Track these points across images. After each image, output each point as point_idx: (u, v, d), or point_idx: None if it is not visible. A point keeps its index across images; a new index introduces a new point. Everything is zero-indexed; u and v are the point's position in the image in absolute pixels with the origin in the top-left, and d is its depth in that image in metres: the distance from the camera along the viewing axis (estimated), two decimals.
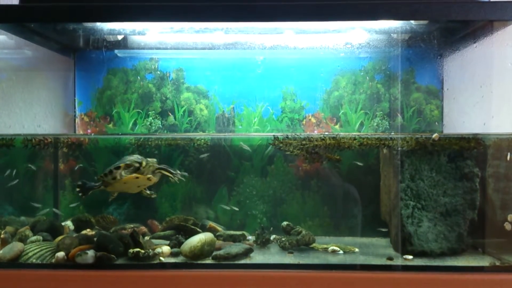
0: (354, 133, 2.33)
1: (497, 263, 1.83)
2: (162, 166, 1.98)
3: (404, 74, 2.38)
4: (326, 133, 2.33)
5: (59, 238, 2.00)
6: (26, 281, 1.75)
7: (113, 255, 1.84)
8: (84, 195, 2.00)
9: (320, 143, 1.99)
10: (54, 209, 2.37)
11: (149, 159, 1.94)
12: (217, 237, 2.13)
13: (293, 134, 2.04)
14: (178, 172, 2.02)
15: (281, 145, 2.02)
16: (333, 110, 2.41)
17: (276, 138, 2.03)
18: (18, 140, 2.11)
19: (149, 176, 1.92)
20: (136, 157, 1.94)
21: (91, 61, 2.46)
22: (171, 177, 1.99)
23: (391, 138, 2.02)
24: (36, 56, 2.31)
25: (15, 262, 1.85)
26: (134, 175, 1.89)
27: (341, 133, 2.02)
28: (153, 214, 2.38)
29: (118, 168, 1.88)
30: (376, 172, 2.25)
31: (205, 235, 1.94)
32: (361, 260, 1.93)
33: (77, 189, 2.01)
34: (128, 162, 1.90)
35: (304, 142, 2.00)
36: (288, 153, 2.02)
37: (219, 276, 1.75)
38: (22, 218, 2.23)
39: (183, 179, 2.05)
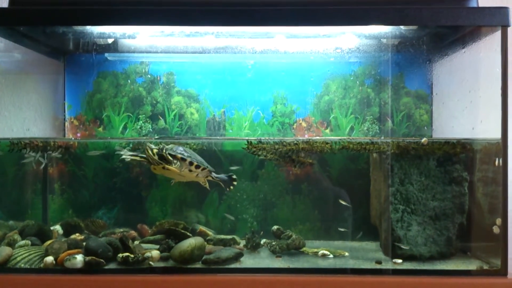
0: (327, 137, 2.33)
1: (486, 267, 1.84)
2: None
3: (393, 79, 2.40)
4: (302, 137, 2.34)
5: (48, 242, 1.99)
6: (14, 285, 1.74)
7: (102, 260, 1.83)
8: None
9: (292, 147, 1.99)
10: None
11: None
12: (207, 241, 2.12)
13: (266, 138, 2.05)
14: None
15: (254, 149, 2.02)
16: (323, 114, 2.42)
17: (249, 142, 2.03)
18: (3, 144, 2.09)
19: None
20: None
21: (81, 65, 2.44)
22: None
23: (372, 142, 2.03)
24: (26, 59, 2.29)
25: (3, 267, 1.83)
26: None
27: (314, 137, 2.02)
28: (143, 218, 2.37)
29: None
30: (366, 176, 2.26)
31: (195, 239, 1.94)
32: (351, 264, 1.93)
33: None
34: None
35: (277, 147, 2.00)
36: (262, 157, 2.02)
37: (209, 281, 1.75)
38: (11, 222, 2.21)
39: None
